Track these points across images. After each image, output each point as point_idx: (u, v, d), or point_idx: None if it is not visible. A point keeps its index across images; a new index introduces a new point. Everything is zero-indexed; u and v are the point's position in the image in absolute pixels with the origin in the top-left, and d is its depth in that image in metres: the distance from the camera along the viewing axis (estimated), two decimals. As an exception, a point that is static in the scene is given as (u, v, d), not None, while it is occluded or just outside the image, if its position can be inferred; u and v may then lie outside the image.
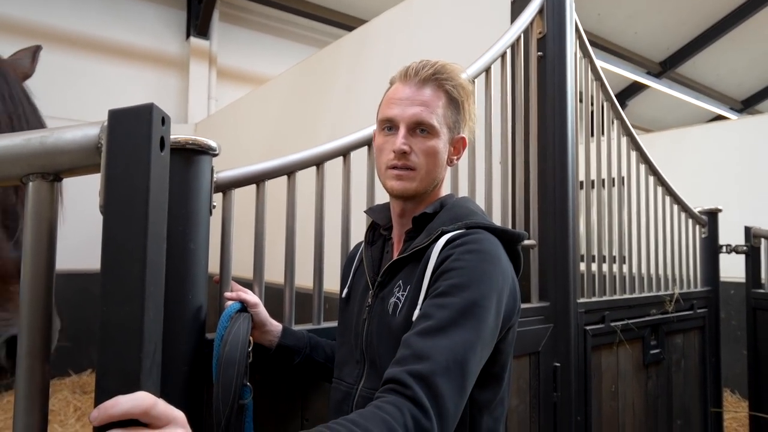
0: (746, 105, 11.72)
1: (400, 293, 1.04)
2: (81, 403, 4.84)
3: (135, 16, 6.34)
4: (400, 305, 1.02)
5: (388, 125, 1.09)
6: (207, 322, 1.22)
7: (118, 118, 0.48)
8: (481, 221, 1.04)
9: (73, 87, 5.78)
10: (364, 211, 1.31)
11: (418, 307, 0.96)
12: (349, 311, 1.20)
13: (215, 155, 1.25)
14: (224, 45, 7.02)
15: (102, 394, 0.44)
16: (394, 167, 1.07)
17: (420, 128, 1.06)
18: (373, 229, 1.25)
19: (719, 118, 10.64)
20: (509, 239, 1.06)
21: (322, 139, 1.48)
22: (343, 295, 1.23)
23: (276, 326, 1.23)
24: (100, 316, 0.46)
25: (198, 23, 6.58)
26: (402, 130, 1.06)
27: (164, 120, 0.49)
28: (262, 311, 1.20)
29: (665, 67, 10.01)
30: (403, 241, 1.13)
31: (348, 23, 7.63)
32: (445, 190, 1.19)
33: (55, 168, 0.53)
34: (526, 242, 2.00)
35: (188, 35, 6.66)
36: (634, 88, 10.38)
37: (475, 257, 0.95)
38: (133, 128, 0.47)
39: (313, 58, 4.23)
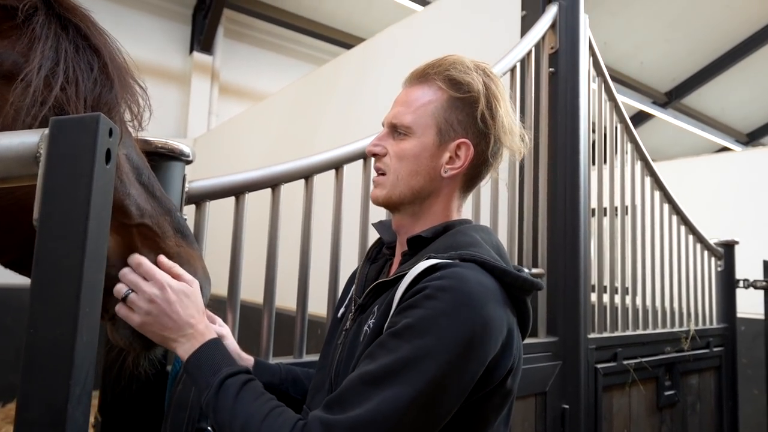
0: (751, 138, 11.67)
1: (372, 319, 0.88)
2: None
3: (138, 29, 6.30)
4: (368, 332, 0.87)
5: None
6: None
7: (61, 128, 0.46)
8: (479, 255, 0.83)
9: (71, 98, 5.69)
10: (372, 224, 1.14)
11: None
12: (335, 333, 1.04)
13: (189, 162, 1.11)
14: (227, 61, 6.97)
15: (23, 427, 0.41)
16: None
17: (396, 130, 0.95)
18: (379, 246, 1.09)
19: (724, 149, 10.56)
20: (511, 284, 0.84)
21: (322, 156, 1.34)
22: (339, 314, 1.07)
23: (247, 360, 1.07)
24: (26, 339, 0.43)
25: (202, 38, 6.55)
26: (381, 132, 0.97)
27: (112, 131, 0.47)
28: (231, 344, 1.04)
29: (671, 98, 9.98)
30: (399, 263, 0.97)
31: (351, 42, 7.60)
32: (463, 213, 1.01)
33: (-13, 176, 0.51)
34: (534, 270, 1.84)
35: (192, 50, 6.62)
36: (639, 118, 10.33)
37: (449, 296, 0.76)
38: (76, 139, 0.45)
39: (314, 74, 4.14)
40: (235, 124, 5.37)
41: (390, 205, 0.96)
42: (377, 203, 0.97)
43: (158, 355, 0.93)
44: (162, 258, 0.87)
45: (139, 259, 0.83)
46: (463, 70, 0.93)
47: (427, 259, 0.84)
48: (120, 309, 0.82)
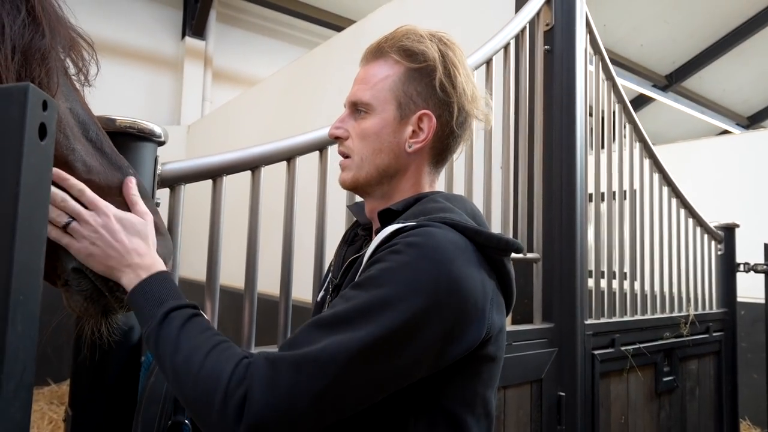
0: (752, 121, 11.55)
1: None
2: (57, 415, 4.58)
3: (128, 14, 6.18)
4: None
5: None
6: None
7: (-15, 100, 0.42)
8: (449, 218, 0.80)
9: (61, 85, 5.60)
10: (348, 206, 1.16)
11: None
12: None
13: (161, 143, 1.05)
14: (220, 46, 6.85)
15: None
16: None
17: (357, 108, 0.92)
18: (356, 228, 1.07)
19: (724, 133, 10.46)
20: (484, 244, 0.79)
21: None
22: (318, 298, 1.04)
23: None
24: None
25: (194, 23, 6.43)
26: (343, 114, 0.95)
27: (46, 105, 0.43)
28: None
29: (671, 81, 9.85)
30: None
31: (345, 26, 7.46)
32: (437, 187, 0.98)
33: None
34: (529, 255, 1.79)
35: (183, 35, 6.50)
36: (639, 102, 10.21)
37: (414, 250, 0.73)
38: (2, 112, 0.41)
39: (306, 57, 4.07)
40: (229, 109, 5.29)
41: (358, 188, 0.94)
42: (345, 187, 0.95)
43: (119, 321, 0.89)
44: (128, 181, 0.83)
45: (81, 186, 0.77)
46: (416, 39, 0.90)
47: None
48: (61, 237, 0.77)
